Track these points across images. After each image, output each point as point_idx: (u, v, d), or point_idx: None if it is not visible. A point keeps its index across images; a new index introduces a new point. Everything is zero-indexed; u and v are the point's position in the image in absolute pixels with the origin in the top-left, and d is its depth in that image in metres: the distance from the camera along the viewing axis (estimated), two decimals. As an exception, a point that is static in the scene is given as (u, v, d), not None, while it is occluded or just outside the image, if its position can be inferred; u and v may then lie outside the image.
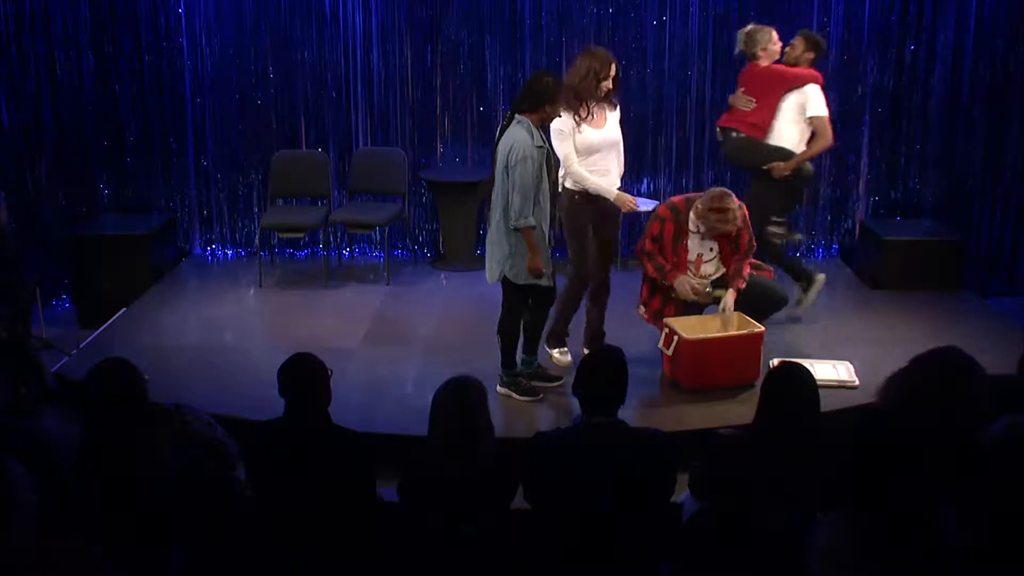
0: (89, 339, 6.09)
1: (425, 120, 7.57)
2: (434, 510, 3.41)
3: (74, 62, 7.20)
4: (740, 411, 4.78)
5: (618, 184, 5.40)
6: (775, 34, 5.94)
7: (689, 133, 7.57)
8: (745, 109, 5.92)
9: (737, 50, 6.01)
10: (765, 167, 5.88)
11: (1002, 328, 6.16)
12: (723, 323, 5.32)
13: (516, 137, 4.77)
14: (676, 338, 5.12)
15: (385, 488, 3.71)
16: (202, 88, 7.41)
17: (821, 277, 6.18)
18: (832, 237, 7.75)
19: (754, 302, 5.35)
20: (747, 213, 5.28)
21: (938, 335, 5.55)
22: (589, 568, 3.34)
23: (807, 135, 5.93)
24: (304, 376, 3.56)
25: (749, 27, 6.00)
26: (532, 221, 4.77)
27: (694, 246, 5.31)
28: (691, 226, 5.26)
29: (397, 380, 5.49)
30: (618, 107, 5.40)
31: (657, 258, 5.30)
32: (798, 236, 6.60)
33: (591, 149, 5.21)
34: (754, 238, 5.40)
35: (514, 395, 5.19)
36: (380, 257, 7.62)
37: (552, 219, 5.05)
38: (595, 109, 5.19)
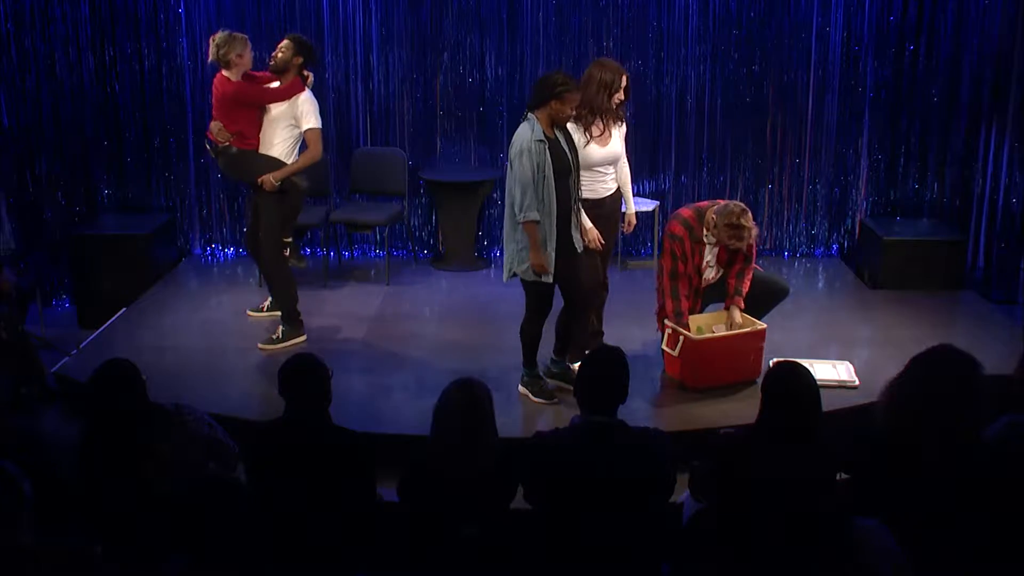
0: (89, 339, 6.08)
1: (425, 120, 7.56)
2: (434, 510, 3.41)
3: (74, 62, 7.20)
4: (741, 411, 4.79)
5: (614, 189, 5.39)
6: (249, 45, 5.68)
7: (689, 133, 7.57)
8: (224, 143, 5.63)
9: (210, 59, 5.68)
10: (258, 180, 5.64)
11: (1002, 328, 6.16)
12: (724, 321, 5.32)
13: (518, 133, 4.82)
14: (682, 338, 5.12)
15: (385, 488, 3.71)
16: (202, 88, 7.39)
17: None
18: (832, 237, 7.75)
19: (756, 297, 5.33)
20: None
21: (938, 335, 5.54)
22: (589, 568, 3.33)
23: (298, 145, 5.72)
24: (304, 376, 3.57)
25: (220, 34, 5.67)
26: (535, 216, 4.73)
27: (705, 255, 5.27)
28: (705, 238, 5.14)
29: (397, 380, 5.49)
30: (624, 122, 5.38)
31: (683, 301, 5.13)
32: (303, 263, 6.00)
33: (590, 164, 5.18)
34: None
35: (530, 396, 5.15)
36: (380, 257, 7.63)
37: (568, 221, 4.90)
38: (607, 123, 5.19)
